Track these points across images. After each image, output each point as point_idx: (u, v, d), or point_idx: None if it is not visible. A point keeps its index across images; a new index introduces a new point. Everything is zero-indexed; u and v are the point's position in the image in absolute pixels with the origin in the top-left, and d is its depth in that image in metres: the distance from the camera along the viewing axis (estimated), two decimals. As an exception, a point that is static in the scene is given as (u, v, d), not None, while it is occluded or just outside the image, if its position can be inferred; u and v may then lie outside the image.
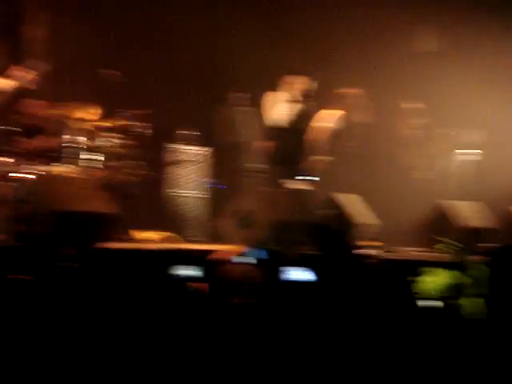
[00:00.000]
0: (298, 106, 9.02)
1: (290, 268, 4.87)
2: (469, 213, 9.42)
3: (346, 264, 5.45)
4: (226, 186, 10.74)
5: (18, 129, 9.05)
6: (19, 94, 8.01)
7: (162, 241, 9.11)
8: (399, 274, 5.59)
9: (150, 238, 9.17)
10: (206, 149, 10.31)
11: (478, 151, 10.63)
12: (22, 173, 8.52)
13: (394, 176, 10.20)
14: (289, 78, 9.02)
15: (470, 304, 4.43)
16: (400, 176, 10.16)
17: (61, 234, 7.10)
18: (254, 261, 5.82)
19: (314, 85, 9.10)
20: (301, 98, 9.03)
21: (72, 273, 6.27)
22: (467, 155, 10.74)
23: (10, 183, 8.44)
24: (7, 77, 7.94)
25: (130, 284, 4.89)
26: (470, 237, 8.80)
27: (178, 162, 9.97)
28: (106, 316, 3.86)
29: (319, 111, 9.26)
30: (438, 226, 9.08)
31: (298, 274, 4.81)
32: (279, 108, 9.02)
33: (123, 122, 9.53)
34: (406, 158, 10.23)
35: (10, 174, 8.55)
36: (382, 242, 8.92)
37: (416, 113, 10.18)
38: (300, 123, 9.09)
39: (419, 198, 10.22)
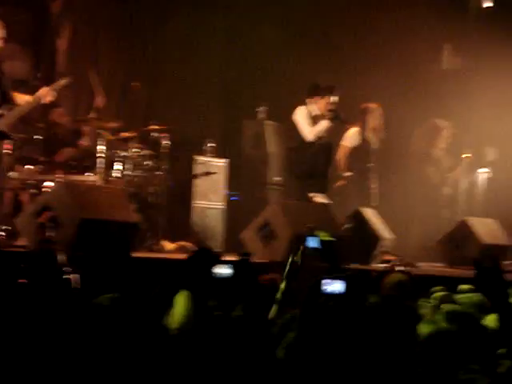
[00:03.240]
0: (324, 121, 9.10)
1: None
2: (488, 230, 9.47)
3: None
4: (241, 198, 10.82)
5: (44, 138, 9.18)
6: (45, 105, 8.10)
7: (177, 250, 9.17)
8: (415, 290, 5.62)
9: (166, 248, 9.25)
10: (228, 160, 10.37)
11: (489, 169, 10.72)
12: (49, 181, 8.64)
13: (415, 192, 10.24)
14: (317, 93, 9.11)
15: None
16: (425, 192, 10.21)
17: (86, 242, 7.17)
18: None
19: (340, 100, 9.17)
20: (327, 113, 9.11)
21: (98, 280, 6.36)
22: (486, 173, 10.81)
23: (36, 191, 8.56)
24: (34, 89, 8.03)
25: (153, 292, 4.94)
26: (490, 254, 8.85)
27: (200, 174, 10.04)
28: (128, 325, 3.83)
29: (344, 127, 9.35)
30: (460, 242, 9.12)
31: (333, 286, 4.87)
32: (305, 122, 9.11)
33: (147, 133, 9.65)
34: (429, 175, 10.29)
35: (36, 183, 8.68)
36: (400, 256, 8.97)
37: (440, 130, 10.25)
38: (325, 138, 9.17)
39: (441, 213, 10.30)
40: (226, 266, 4.84)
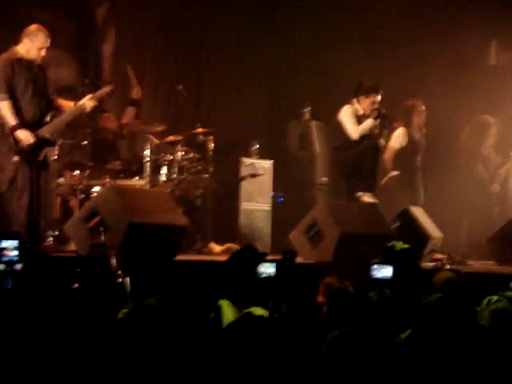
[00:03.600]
0: (369, 120, 9.05)
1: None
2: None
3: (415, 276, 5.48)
4: (288, 199, 10.80)
5: (92, 143, 9.26)
6: (92, 110, 8.17)
7: (225, 252, 9.18)
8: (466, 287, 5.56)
9: (215, 250, 9.27)
10: (273, 162, 10.35)
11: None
12: (97, 186, 8.72)
13: (467, 189, 10.13)
14: (361, 92, 9.06)
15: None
16: (474, 189, 10.10)
17: (135, 246, 7.22)
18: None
19: (385, 98, 9.11)
20: (372, 113, 9.06)
21: (147, 284, 6.40)
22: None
23: (85, 196, 8.64)
24: (81, 96, 8.10)
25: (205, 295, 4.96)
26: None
27: (247, 175, 10.04)
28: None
29: (390, 125, 9.28)
30: (511, 239, 9.00)
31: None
32: (350, 121, 9.06)
33: (193, 136, 9.69)
34: (478, 172, 10.18)
35: (84, 188, 8.76)
36: (450, 254, 8.89)
37: (488, 126, 10.13)
38: (371, 137, 9.11)
39: (491, 211, 10.18)
40: (270, 264, 4.86)
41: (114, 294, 5.03)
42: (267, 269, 4.86)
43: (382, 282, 4.88)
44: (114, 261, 5.31)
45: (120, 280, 5.18)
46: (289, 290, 4.70)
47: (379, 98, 9.08)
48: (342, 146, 9.11)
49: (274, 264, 4.84)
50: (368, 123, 9.07)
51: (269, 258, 5.23)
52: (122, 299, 5.04)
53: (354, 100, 9.14)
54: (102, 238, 7.42)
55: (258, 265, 4.86)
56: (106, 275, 5.17)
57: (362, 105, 9.10)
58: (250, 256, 5.14)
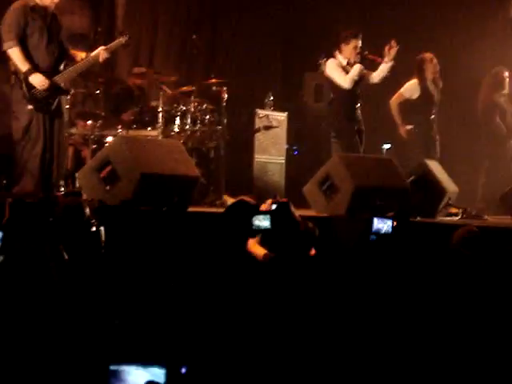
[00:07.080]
0: (356, 66, 8.81)
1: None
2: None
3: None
4: (303, 152, 10.71)
5: (106, 93, 9.17)
6: (107, 61, 8.02)
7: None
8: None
9: (228, 203, 9.19)
10: (287, 114, 10.23)
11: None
12: (110, 136, 8.65)
13: (484, 143, 10.04)
14: (341, 41, 8.85)
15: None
16: (492, 143, 10.00)
17: (147, 197, 7.17)
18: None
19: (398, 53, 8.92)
20: (356, 58, 8.82)
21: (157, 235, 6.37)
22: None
23: (97, 146, 8.57)
24: (94, 43, 7.95)
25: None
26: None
27: (261, 127, 9.94)
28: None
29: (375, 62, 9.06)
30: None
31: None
32: (338, 72, 8.86)
33: (207, 87, 9.58)
34: (499, 126, 10.07)
35: (97, 138, 8.69)
36: (466, 209, 8.82)
37: (503, 77, 10.00)
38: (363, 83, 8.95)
39: (508, 166, 10.09)
40: (265, 217, 4.80)
41: (89, 243, 4.98)
42: (262, 222, 4.81)
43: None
44: (87, 210, 5.25)
45: (94, 229, 5.12)
46: (284, 241, 4.69)
47: (360, 42, 8.82)
48: (336, 99, 8.93)
49: (268, 216, 4.79)
50: (356, 69, 8.83)
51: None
52: (97, 248, 5.00)
53: (336, 52, 8.92)
54: (77, 185, 7.38)
55: (251, 217, 4.82)
56: (80, 224, 5.11)
57: (344, 54, 8.88)
58: (244, 209, 5.09)
